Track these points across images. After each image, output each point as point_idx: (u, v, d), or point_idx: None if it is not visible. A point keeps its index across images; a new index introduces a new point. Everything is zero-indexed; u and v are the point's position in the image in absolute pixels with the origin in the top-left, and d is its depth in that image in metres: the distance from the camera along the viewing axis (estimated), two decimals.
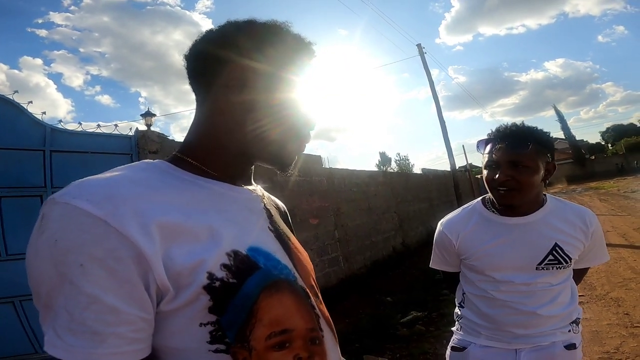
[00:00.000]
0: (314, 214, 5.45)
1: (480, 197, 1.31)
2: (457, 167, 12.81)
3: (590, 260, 1.26)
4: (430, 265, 1.39)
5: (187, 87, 0.65)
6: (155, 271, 0.46)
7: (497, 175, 1.13)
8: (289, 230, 0.72)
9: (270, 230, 0.63)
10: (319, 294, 0.67)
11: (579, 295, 1.25)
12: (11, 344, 2.81)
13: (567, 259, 1.15)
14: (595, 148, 53.92)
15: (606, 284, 4.22)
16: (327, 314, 0.65)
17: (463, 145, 26.40)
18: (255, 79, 0.59)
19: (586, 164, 37.81)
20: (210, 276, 0.49)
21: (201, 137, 0.62)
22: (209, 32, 0.63)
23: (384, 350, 3.21)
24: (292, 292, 0.56)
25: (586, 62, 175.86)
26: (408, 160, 42.32)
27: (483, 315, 1.21)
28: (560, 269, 1.15)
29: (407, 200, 9.17)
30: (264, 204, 0.67)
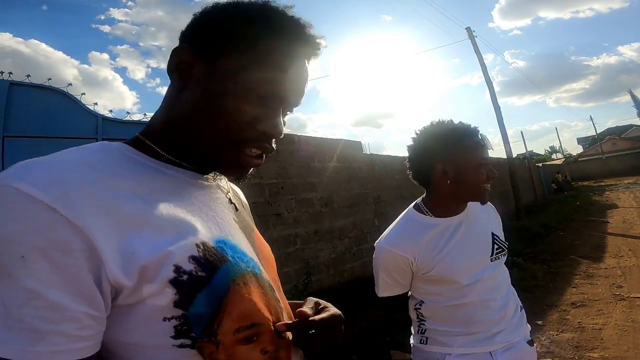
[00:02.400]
0: (352, 201, 5.37)
1: (412, 205, 1.28)
2: (513, 155, 12.00)
3: None
4: (380, 294, 1.25)
5: None
6: (107, 267, 0.42)
7: (492, 173, 1.16)
8: (252, 223, 0.69)
9: (236, 222, 0.60)
10: (280, 287, 0.65)
11: None
12: None
13: (504, 243, 1.23)
14: None
15: None
16: (288, 307, 0.63)
17: (522, 132, 24.45)
18: (198, 69, 0.54)
19: None
20: (177, 269, 0.46)
21: (160, 122, 0.57)
22: None
23: None
24: (259, 285, 0.54)
25: None
26: None
27: (456, 321, 1.16)
28: (505, 256, 1.23)
29: None
30: (229, 196, 0.63)
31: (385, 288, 1.23)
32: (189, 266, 0.46)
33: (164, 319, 0.45)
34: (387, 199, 6.22)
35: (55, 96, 3.33)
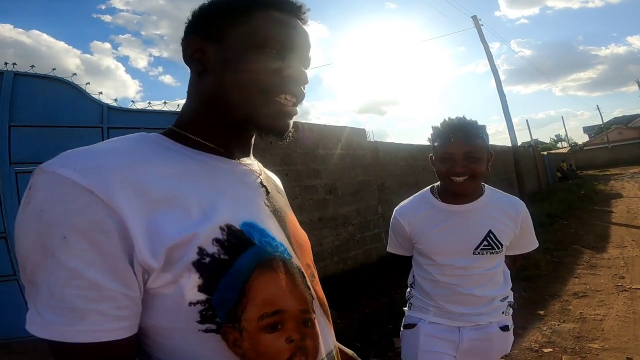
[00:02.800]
0: (356, 188, 5.37)
1: (429, 186, 1.41)
2: (518, 143, 11.93)
3: (521, 247, 1.38)
4: (387, 249, 1.50)
5: None
6: (137, 248, 0.43)
7: (454, 167, 1.22)
8: (287, 208, 0.68)
9: (267, 205, 0.60)
10: (316, 274, 0.64)
11: None
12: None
13: (499, 244, 1.26)
14: None
15: None
16: (322, 295, 0.62)
17: (527, 120, 24.15)
18: (212, 51, 0.58)
19: None
20: (201, 252, 0.46)
21: (190, 109, 0.60)
22: None
23: None
24: (287, 271, 0.53)
25: None
26: None
27: (429, 296, 1.33)
28: (494, 254, 1.26)
29: None
30: (261, 180, 0.63)
31: (391, 245, 1.48)
32: (212, 249, 0.47)
33: (190, 304, 0.46)
34: (391, 186, 6.21)
35: (60, 86, 3.33)
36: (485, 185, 1.36)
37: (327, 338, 0.58)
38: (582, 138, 52.76)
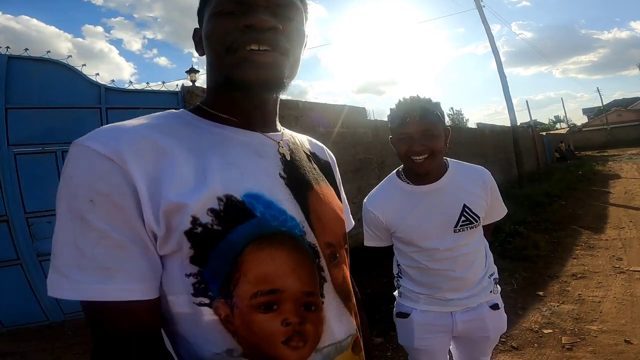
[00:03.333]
0: (356, 166, 5.32)
1: (395, 170, 1.38)
2: (518, 123, 11.88)
3: (492, 216, 1.38)
4: (365, 243, 1.43)
5: None
6: (144, 210, 0.45)
7: (413, 147, 1.20)
8: (317, 181, 0.63)
9: (282, 177, 0.57)
10: (341, 255, 0.61)
11: None
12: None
13: (476, 217, 1.26)
14: None
15: None
16: (341, 279, 0.59)
17: (527, 101, 23.71)
18: (203, 29, 0.60)
19: None
20: (194, 221, 0.46)
21: (207, 88, 0.63)
22: None
23: None
24: (294, 248, 0.51)
25: None
26: (462, 114, 40.15)
27: (419, 284, 1.30)
28: (473, 228, 1.26)
29: (459, 154, 8.58)
30: (279, 150, 0.61)
31: (368, 239, 1.42)
32: (206, 218, 0.47)
33: (185, 275, 0.47)
34: (391, 164, 6.16)
35: (55, 68, 3.27)
36: (448, 159, 1.35)
37: (337, 326, 0.55)
38: (581, 119, 52.57)
